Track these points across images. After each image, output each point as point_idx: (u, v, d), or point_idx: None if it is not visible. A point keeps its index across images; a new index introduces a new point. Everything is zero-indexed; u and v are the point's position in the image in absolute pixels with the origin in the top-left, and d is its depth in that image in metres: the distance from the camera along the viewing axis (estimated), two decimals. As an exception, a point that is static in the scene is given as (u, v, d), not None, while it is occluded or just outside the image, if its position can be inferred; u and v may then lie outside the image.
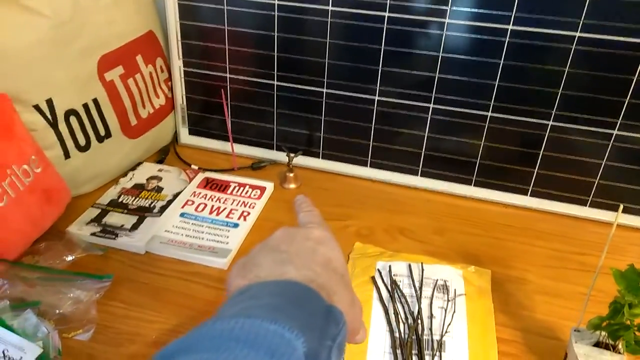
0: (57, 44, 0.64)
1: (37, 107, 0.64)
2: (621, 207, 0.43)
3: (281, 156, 0.82)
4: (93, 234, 0.66)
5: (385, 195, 0.79)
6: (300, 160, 0.83)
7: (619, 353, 0.46)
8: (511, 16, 0.65)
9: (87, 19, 0.68)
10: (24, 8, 0.61)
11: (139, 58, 0.78)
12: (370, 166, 0.81)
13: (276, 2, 0.74)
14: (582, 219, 0.74)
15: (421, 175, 0.79)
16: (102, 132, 0.73)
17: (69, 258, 0.61)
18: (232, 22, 0.77)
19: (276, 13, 0.75)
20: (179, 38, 0.81)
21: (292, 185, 0.79)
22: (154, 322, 0.56)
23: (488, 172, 0.76)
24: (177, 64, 0.83)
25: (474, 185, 0.77)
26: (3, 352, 0.45)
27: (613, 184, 0.71)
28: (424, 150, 0.77)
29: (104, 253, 0.64)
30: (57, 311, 0.54)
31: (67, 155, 0.69)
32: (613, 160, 0.70)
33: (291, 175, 0.79)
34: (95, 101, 0.71)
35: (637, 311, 0.42)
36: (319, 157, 0.83)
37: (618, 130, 0.68)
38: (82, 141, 0.70)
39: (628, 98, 0.66)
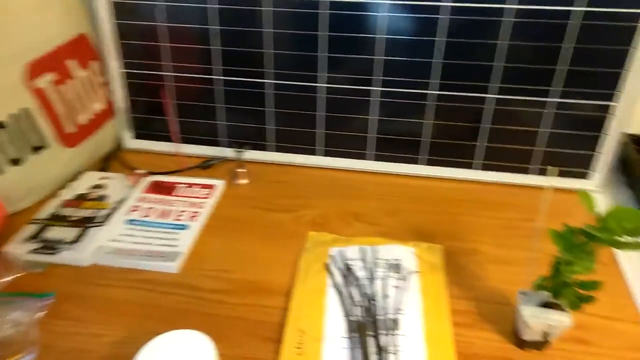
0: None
1: (-42, 122, 0.61)
2: (549, 168, 0.44)
3: (231, 152, 0.81)
4: (32, 251, 0.62)
5: (338, 182, 0.78)
6: (252, 154, 0.82)
7: (563, 310, 0.47)
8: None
9: (9, 25, 0.65)
10: None
11: (71, 62, 0.75)
12: (323, 154, 0.81)
13: (208, -5, 0.72)
14: (528, 186, 0.75)
15: (374, 159, 0.79)
16: (36, 143, 0.70)
17: (6, 279, 0.58)
18: (170, 18, 0.75)
19: (215, 5, 0.73)
20: (114, 38, 0.78)
21: (244, 181, 0.78)
22: (104, 335, 0.53)
23: (437, 149, 0.77)
24: (114, 66, 0.80)
25: (425, 164, 0.78)
26: None
27: (555, 150, 0.73)
28: (374, 133, 0.77)
29: (44, 270, 0.61)
30: (-4, 334, 0.51)
31: (-1, 170, 0.66)
32: (553, 128, 0.71)
33: (242, 170, 0.78)
34: (25, 111, 0.68)
35: (576, 268, 0.43)
36: (269, 150, 0.82)
37: (556, 97, 0.69)
38: (14, 154, 0.67)
39: (564, 65, 0.67)
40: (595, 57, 0.66)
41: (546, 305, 0.49)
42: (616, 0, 0.62)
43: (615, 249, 0.63)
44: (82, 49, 0.78)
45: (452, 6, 0.66)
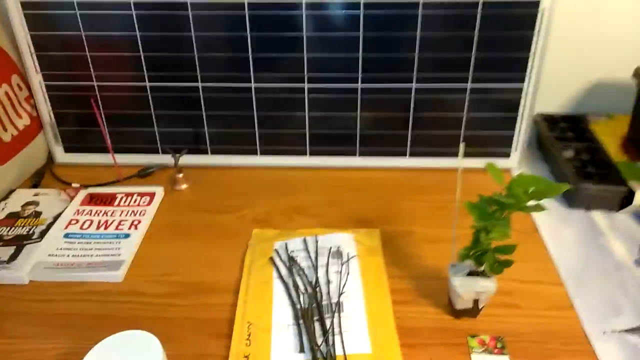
0: None
1: None
2: (462, 145, 0.48)
3: (169, 159, 0.80)
4: (-36, 274, 0.60)
5: (278, 180, 0.80)
6: (190, 159, 0.82)
7: (488, 277, 0.52)
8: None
9: None
10: None
11: (-11, 78, 0.72)
12: (260, 154, 0.82)
13: (132, 1, 0.71)
14: (456, 169, 0.81)
15: (310, 155, 0.82)
16: (-42, 163, 0.67)
17: (-63, 304, 0.56)
18: (88, 26, 0.74)
19: (134, 12, 0.72)
20: (33, 50, 0.76)
21: (183, 186, 0.78)
22: (50, 349, 0.52)
23: (370, 141, 0.80)
24: (36, 78, 0.78)
25: (359, 156, 0.81)
26: None
27: (476, 133, 0.78)
28: (309, 130, 0.80)
29: (-20, 292, 0.59)
30: None
31: None
32: (472, 112, 0.77)
33: (180, 176, 0.78)
34: (-59, 131, 0.65)
35: (492, 235, 0.47)
36: (207, 154, 0.83)
37: (471, 83, 0.75)
38: None
39: (476, 53, 0.72)
40: (502, 43, 0.71)
41: (473, 274, 0.53)
42: (517, -8, 0.68)
43: (535, 218, 0.70)
44: (1, 63, 0.75)
45: (367, 2, 0.70)
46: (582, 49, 0.81)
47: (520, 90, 0.75)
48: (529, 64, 0.72)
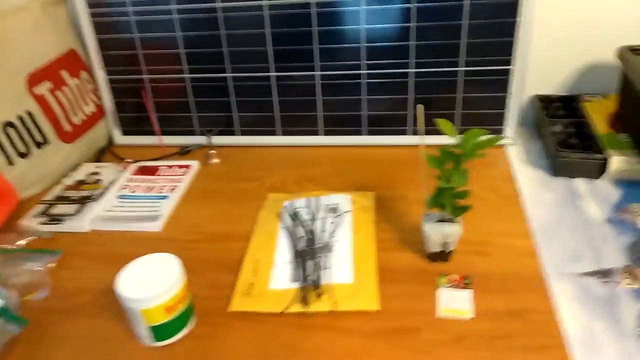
0: (-15, 67, 0.76)
1: (-24, 122, 0.75)
2: (419, 106, 0.57)
3: (205, 140, 0.95)
4: (41, 223, 0.77)
5: (295, 156, 0.92)
6: (222, 139, 0.96)
7: (454, 222, 0.61)
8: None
9: (12, 44, 0.80)
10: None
11: (64, 73, 0.90)
12: (281, 134, 0.95)
13: (174, 7, 0.87)
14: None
15: (323, 134, 0.93)
16: (40, 139, 0.84)
17: (22, 242, 0.72)
18: (141, 29, 0.90)
19: (175, 15, 0.88)
20: (98, 51, 0.93)
21: (215, 160, 0.92)
22: (99, 278, 0.67)
23: (374, 121, 0.90)
24: (100, 74, 0.95)
25: (366, 134, 0.91)
26: (-29, 306, 0.56)
27: (471, 111, 0.86)
28: (321, 112, 0.91)
29: (52, 236, 0.75)
30: (15, 280, 0.65)
31: (10, 162, 0.80)
32: (466, 92, 0.85)
33: (213, 152, 0.92)
34: (28, 113, 0.82)
35: (452, 184, 0.56)
36: (235, 134, 0.96)
37: (464, 67, 0.83)
38: (22, 149, 0.81)
39: (466, 39, 0.81)
40: (489, 29, 0.80)
41: (442, 221, 0.62)
42: (501, -17, 0.77)
43: (521, 184, 0.77)
44: (73, 61, 0.93)
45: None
46: (574, 33, 0.87)
47: (508, 72, 0.82)
48: (514, 47, 0.80)
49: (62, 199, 0.82)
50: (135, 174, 0.88)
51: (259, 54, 0.88)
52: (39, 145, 0.84)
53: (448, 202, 0.58)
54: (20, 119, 0.81)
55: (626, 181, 0.75)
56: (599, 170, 0.75)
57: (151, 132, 0.98)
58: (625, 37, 0.84)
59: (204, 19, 0.87)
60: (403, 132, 0.90)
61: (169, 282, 0.54)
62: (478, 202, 0.74)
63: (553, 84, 0.93)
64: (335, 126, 0.92)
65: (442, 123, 0.55)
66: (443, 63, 0.84)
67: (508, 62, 0.82)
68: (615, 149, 0.74)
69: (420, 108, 0.57)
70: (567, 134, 0.80)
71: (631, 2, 0.83)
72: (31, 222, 0.77)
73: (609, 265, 0.62)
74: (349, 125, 0.92)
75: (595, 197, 0.73)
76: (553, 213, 0.71)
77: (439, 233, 0.61)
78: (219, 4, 0.86)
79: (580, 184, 0.76)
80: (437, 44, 0.82)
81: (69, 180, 0.87)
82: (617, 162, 0.73)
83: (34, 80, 0.84)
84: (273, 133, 0.95)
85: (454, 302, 0.58)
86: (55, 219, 0.77)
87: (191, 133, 0.98)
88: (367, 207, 0.74)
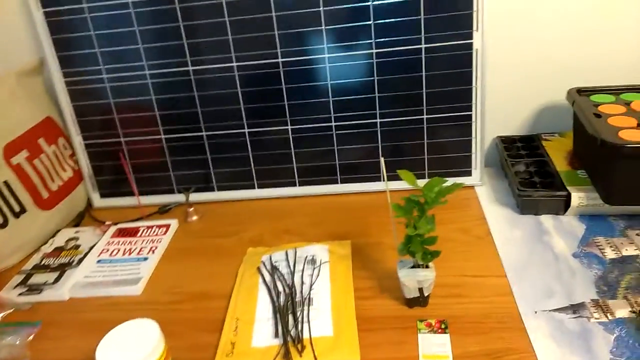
0: (-38, 142, 0.77)
1: (-48, 197, 0.76)
2: (382, 159, 0.60)
3: (184, 198, 0.96)
4: (20, 294, 0.76)
5: (272, 208, 0.94)
6: (200, 196, 0.98)
7: (427, 267, 0.63)
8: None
9: (-13, 118, 0.82)
10: None
11: (41, 140, 0.92)
12: (257, 187, 0.97)
13: (147, 72, 0.90)
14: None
15: (298, 185, 0.96)
16: (17, 209, 0.85)
17: (0, 315, 0.72)
18: (115, 95, 0.93)
19: (149, 80, 0.91)
20: (74, 117, 0.96)
21: (194, 218, 0.93)
22: (79, 348, 0.66)
23: (347, 170, 0.94)
24: (77, 139, 0.97)
25: (340, 183, 0.94)
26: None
27: (437, 156, 0.90)
28: (295, 164, 0.94)
29: (31, 307, 0.75)
30: (-6, 356, 0.64)
31: (-13, 233, 0.80)
32: (431, 138, 0.89)
33: (191, 209, 0.93)
34: (5, 183, 0.83)
35: (420, 231, 0.59)
36: (213, 190, 0.98)
37: (426, 114, 0.88)
38: (-1, 219, 0.82)
39: (425, 89, 0.86)
40: (448, 79, 0.85)
41: (416, 267, 0.64)
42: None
43: (490, 224, 0.80)
44: (50, 128, 0.95)
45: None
46: (529, 75, 0.93)
47: (469, 117, 0.87)
48: (473, 94, 0.85)
49: (41, 268, 0.82)
50: (114, 237, 0.89)
51: (232, 112, 0.92)
52: (16, 214, 0.85)
53: (418, 248, 0.60)
54: (-3, 190, 0.82)
55: (589, 215, 0.79)
56: (563, 206, 0.78)
57: (130, 193, 0.99)
58: (576, 78, 0.91)
59: (176, 81, 0.91)
60: (376, 179, 0.93)
61: (148, 348, 0.54)
62: (450, 243, 0.77)
63: (514, 125, 0.98)
64: (310, 176, 0.95)
65: (403, 174, 0.58)
66: (408, 112, 0.88)
67: (468, 108, 0.87)
68: (575, 185, 0.78)
69: (382, 160, 0.60)
70: (529, 173, 0.84)
71: (580, 43, 0.89)
72: (10, 294, 0.76)
73: (580, 299, 0.64)
74: (323, 175, 0.95)
75: (561, 232, 0.76)
76: (523, 250, 0.74)
77: (414, 279, 0.63)
78: (190, 67, 0.89)
79: (546, 220, 0.79)
80: (400, 94, 0.87)
81: (48, 248, 0.87)
82: (577, 198, 0.77)
83: (10, 150, 0.85)
84: (250, 187, 0.97)
85: (434, 348, 0.60)
86: (34, 289, 0.77)
87: (170, 192, 0.99)
88: (344, 255, 0.75)
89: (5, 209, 0.83)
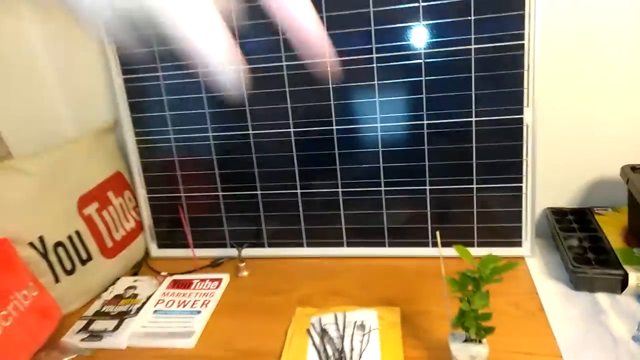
0: (45, 193, 0.85)
1: (31, 244, 0.82)
2: (437, 233, 0.62)
3: (236, 252, 1.00)
4: (82, 340, 0.80)
5: (320, 267, 0.96)
6: (251, 252, 1.01)
7: (479, 342, 0.63)
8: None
9: (67, 172, 0.90)
10: (19, 170, 0.82)
11: (110, 193, 0.99)
12: (306, 246, 1.00)
13: (210, 134, 0.97)
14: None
15: (346, 246, 0.98)
16: (85, 257, 0.91)
17: (64, 360, 0.76)
18: (179, 153, 1.00)
19: (212, 142, 0.98)
20: (141, 173, 1.03)
21: (245, 273, 0.97)
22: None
23: (396, 233, 0.95)
24: (142, 193, 1.04)
25: (388, 246, 0.96)
26: None
27: (488, 225, 0.91)
28: (344, 225, 0.97)
29: (91, 353, 0.78)
30: (57, 401, 0.67)
31: (57, 279, 0.86)
32: (482, 208, 0.90)
33: (242, 265, 0.97)
34: (77, 232, 0.90)
35: (474, 306, 0.59)
36: (264, 247, 1.02)
37: (476, 184, 0.90)
38: (68, 266, 0.88)
39: (476, 160, 0.88)
40: (498, 150, 0.87)
41: (469, 341, 0.64)
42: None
43: (543, 299, 0.79)
44: (118, 182, 1.03)
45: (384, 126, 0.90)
46: (578, 150, 0.94)
47: (520, 189, 0.88)
48: (523, 166, 0.87)
49: (101, 314, 0.87)
50: (170, 288, 0.93)
51: (286, 173, 0.97)
52: (83, 262, 0.91)
53: (472, 324, 0.60)
54: (70, 238, 0.89)
55: (647, 295, 0.77)
56: (620, 285, 0.77)
57: (185, 245, 1.04)
58: (630, 154, 0.91)
59: (236, 143, 0.97)
60: (424, 245, 0.94)
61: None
62: (502, 317, 0.76)
63: (565, 198, 0.98)
64: (358, 238, 0.97)
65: (459, 249, 0.60)
66: (457, 181, 0.90)
67: (519, 180, 0.88)
68: (632, 265, 0.77)
69: (437, 234, 0.62)
70: (582, 248, 0.83)
71: (632, 120, 0.90)
72: (72, 338, 0.81)
73: (640, 386, 0.62)
74: (371, 237, 0.97)
75: (618, 312, 0.74)
76: (578, 329, 0.72)
77: (466, 354, 0.63)
78: (250, 132, 0.96)
79: (602, 298, 0.78)
80: (451, 164, 0.89)
81: (108, 295, 0.92)
82: (636, 278, 0.75)
83: (83, 202, 0.93)
84: (299, 245, 1.00)
85: None
86: (95, 335, 0.81)
87: (222, 246, 1.04)
88: (393, 322, 0.76)
89: (74, 257, 0.89)
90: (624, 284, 0.76)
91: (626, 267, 0.76)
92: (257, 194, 0.99)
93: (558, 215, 0.93)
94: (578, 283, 0.79)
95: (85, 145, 0.96)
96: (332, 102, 0.91)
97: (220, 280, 0.94)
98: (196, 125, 0.98)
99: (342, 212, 0.97)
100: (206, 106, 0.96)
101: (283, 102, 0.93)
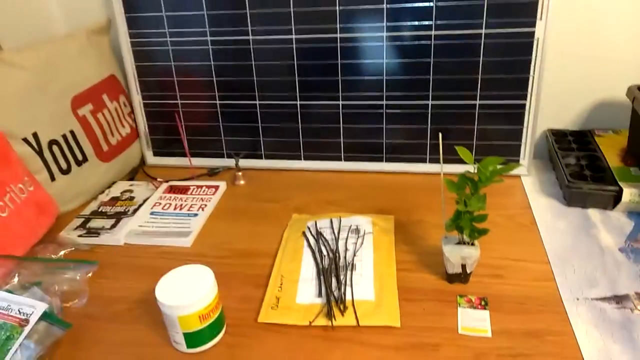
0: (37, 89, 0.82)
1: (25, 140, 0.81)
2: (440, 134, 0.61)
3: (233, 163, 1.00)
4: (80, 236, 0.81)
5: (317, 180, 0.97)
6: (248, 163, 1.01)
7: (472, 244, 0.64)
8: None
9: (60, 69, 0.87)
10: (10, 64, 0.79)
11: (104, 96, 0.97)
12: (304, 159, 0.99)
13: (209, 38, 0.94)
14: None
15: (344, 160, 0.98)
16: (80, 158, 0.90)
17: (62, 252, 0.77)
18: (176, 58, 0.97)
19: (210, 46, 0.94)
20: (136, 77, 1.00)
21: (242, 182, 0.97)
22: (135, 288, 0.71)
23: (394, 149, 0.95)
24: (137, 98, 1.02)
25: (385, 162, 0.96)
26: (19, 309, 0.60)
27: (487, 142, 0.91)
28: (342, 139, 0.96)
29: (90, 248, 0.80)
30: (57, 287, 0.69)
31: (52, 177, 0.85)
32: (482, 124, 0.90)
33: (239, 174, 0.97)
34: (72, 132, 0.88)
35: (470, 208, 0.60)
36: (261, 158, 1.01)
37: (480, 100, 0.88)
38: (64, 165, 0.87)
39: (481, 75, 0.86)
40: (505, 66, 0.85)
41: (461, 243, 0.65)
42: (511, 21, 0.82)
43: (535, 213, 0.81)
44: (113, 86, 1.00)
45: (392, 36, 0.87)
46: (586, 70, 0.92)
47: (522, 106, 0.87)
48: (529, 83, 0.85)
49: (98, 214, 0.87)
50: (166, 192, 0.93)
51: (286, 84, 0.94)
52: (79, 163, 0.90)
53: (466, 225, 0.61)
54: (64, 137, 0.87)
55: (638, 213, 0.78)
56: (612, 201, 0.78)
57: (181, 154, 1.03)
58: (636, 75, 0.89)
59: (236, 49, 0.94)
60: (421, 160, 0.94)
61: (204, 291, 0.58)
62: (495, 228, 0.77)
63: (565, 119, 0.97)
64: (356, 153, 0.97)
65: (461, 150, 0.59)
66: (460, 96, 0.88)
67: (523, 97, 0.86)
68: (628, 182, 0.77)
69: (440, 135, 0.61)
70: (580, 166, 0.84)
71: (640, 42, 0.88)
72: (70, 234, 0.82)
73: (624, 291, 0.64)
74: (369, 152, 0.96)
75: (608, 226, 0.76)
76: (568, 240, 0.74)
77: (458, 255, 0.64)
78: (250, 37, 0.92)
79: (593, 213, 0.79)
80: (455, 78, 0.87)
81: (105, 197, 0.92)
82: (630, 194, 0.76)
83: (77, 102, 0.90)
84: (297, 158, 1.00)
85: (473, 322, 0.61)
86: (93, 232, 0.82)
87: (220, 156, 1.03)
88: (387, 229, 0.77)
89: (70, 157, 0.88)
90: (616, 200, 0.78)
91: (622, 184, 0.77)
92: (255, 103, 0.97)
93: (558, 135, 0.93)
94: (572, 199, 0.80)
95: (77, 43, 0.92)
96: (337, 8, 0.87)
97: (217, 187, 0.94)
98: (194, 28, 0.94)
99: (341, 125, 0.95)
100: (205, 7, 0.92)
101: (286, 5, 0.88)
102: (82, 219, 0.86)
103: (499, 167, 0.58)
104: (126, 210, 0.88)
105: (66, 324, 0.62)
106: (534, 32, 0.82)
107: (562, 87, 0.93)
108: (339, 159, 0.98)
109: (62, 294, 0.68)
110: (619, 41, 0.88)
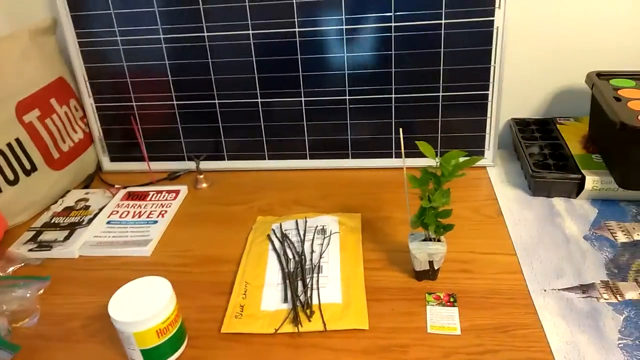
0: (-25, 96, 0.77)
1: (-35, 151, 0.76)
2: (400, 130, 0.60)
3: (194, 165, 0.96)
4: (30, 250, 0.77)
5: (281, 179, 0.94)
6: (210, 165, 0.97)
7: (438, 240, 0.63)
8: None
9: (0, 73, 0.81)
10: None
11: (52, 101, 0.91)
12: (267, 158, 0.97)
13: (162, 36, 0.89)
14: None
15: (309, 158, 0.95)
16: (28, 167, 0.85)
17: (10, 269, 0.72)
18: (128, 58, 0.92)
19: (163, 45, 0.90)
20: (87, 79, 0.95)
21: (204, 185, 0.93)
22: (89, 303, 0.67)
23: (359, 145, 0.93)
24: (89, 102, 0.97)
25: (351, 158, 0.94)
26: (-39, 335, 0.56)
27: (451, 134, 0.90)
28: (306, 137, 0.94)
29: (41, 263, 0.75)
30: (4, 307, 0.64)
31: (-2, 189, 0.80)
32: (445, 117, 0.89)
33: (201, 177, 0.93)
34: (17, 140, 0.83)
35: (434, 204, 0.58)
36: (224, 159, 0.98)
37: (442, 92, 0.87)
38: (10, 176, 0.82)
39: (444, 66, 0.85)
40: (466, 57, 0.84)
41: (427, 240, 0.64)
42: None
43: (502, 204, 0.80)
44: (62, 89, 0.94)
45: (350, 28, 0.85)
46: (547, 59, 0.92)
47: (485, 97, 0.86)
48: (491, 73, 0.84)
49: (50, 226, 0.82)
50: (124, 199, 0.89)
51: (246, 81, 0.91)
52: (27, 172, 0.84)
53: (431, 221, 0.60)
54: (9, 146, 0.82)
55: (601, 200, 0.78)
56: (576, 189, 0.78)
57: (139, 158, 0.99)
58: (595, 62, 0.90)
59: (191, 47, 0.90)
60: (387, 155, 0.93)
61: (160, 304, 0.54)
62: (461, 221, 0.77)
63: (529, 108, 0.97)
64: (321, 150, 0.95)
65: (422, 145, 0.58)
66: (423, 89, 0.87)
67: (485, 88, 0.86)
68: (590, 169, 0.78)
69: (400, 131, 0.59)
70: (543, 155, 0.84)
71: (601, 27, 0.88)
72: (20, 249, 0.77)
73: (590, 280, 0.64)
74: (335, 149, 0.94)
75: (573, 215, 0.76)
76: (533, 230, 0.74)
77: (425, 252, 0.63)
78: (205, 33, 0.88)
79: (558, 202, 0.79)
80: (416, 70, 0.86)
81: (58, 207, 0.87)
82: (592, 181, 0.76)
83: (22, 108, 0.85)
84: (260, 157, 0.97)
85: (442, 320, 0.60)
86: (44, 246, 0.77)
87: (180, 159, 0.99)
88: (354, 228, 0.75)
89: (16, 166, 0.83)
90: (579, 188, 0.78)
91: (584, 172, 0.77)
92: (215, 103, 0.94)
93: (521, 125, 0.93)
94: (536, 188, 0.80)
95: (19, 45, 0.87)
96: (294, 0, 0.84)
97: (178, 191, 0.90)
98: (145, 25, 0.89)
99: (305, 122, 0.93)
100: (155, 4, 0.87)
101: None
102: (33, 232, 0.81)
103: (461, 160, 0.56)
104: (81, 220, 0.83)
105: (15, 347, 0.58)
106: (493, 21, 0.81)
107: (524, 75, 0.93)
108: (304, 157, 0.95)
109: (10, 313, 0.64)
110: (579, 28, 0.89)
